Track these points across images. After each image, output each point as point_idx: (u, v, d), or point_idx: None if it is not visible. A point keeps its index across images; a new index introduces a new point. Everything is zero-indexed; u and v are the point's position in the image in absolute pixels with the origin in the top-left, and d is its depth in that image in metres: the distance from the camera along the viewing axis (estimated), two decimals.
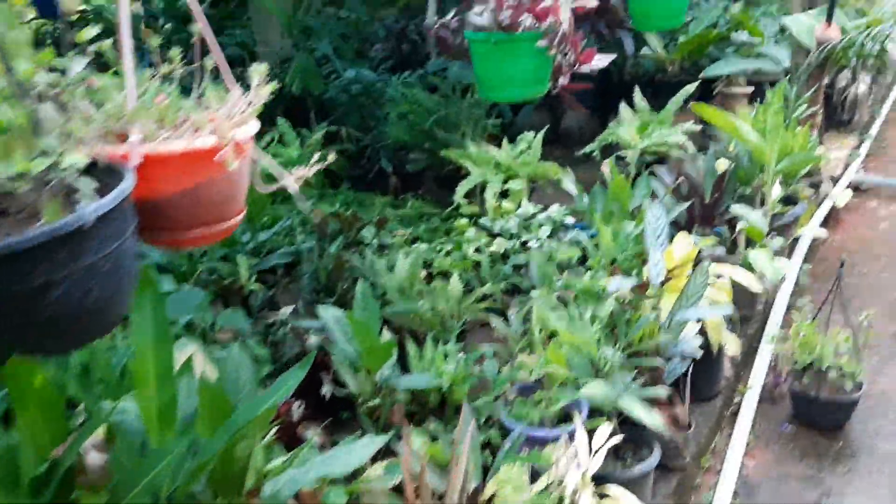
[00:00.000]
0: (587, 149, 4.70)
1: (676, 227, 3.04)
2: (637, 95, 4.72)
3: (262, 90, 1.41)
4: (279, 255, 3.19)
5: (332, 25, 6.03)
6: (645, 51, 5.27)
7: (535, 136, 4.35)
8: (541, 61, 1.82)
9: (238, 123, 1.35)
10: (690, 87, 4.64)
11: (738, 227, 2.85)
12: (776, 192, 2.96)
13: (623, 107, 4.66)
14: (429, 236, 3.95)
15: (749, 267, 2.65)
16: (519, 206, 4.10)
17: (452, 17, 1.94)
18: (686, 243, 2.50)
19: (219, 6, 8.58)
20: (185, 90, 1.40)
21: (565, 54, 1.76)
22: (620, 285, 2.05)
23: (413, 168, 4.56)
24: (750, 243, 2.86)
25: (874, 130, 4.65)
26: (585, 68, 2.34)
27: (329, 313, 2.53)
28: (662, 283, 2.15)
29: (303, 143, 4.80)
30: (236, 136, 1.30)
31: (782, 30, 4.72)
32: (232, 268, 2.99)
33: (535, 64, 1.83)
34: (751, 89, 4.75)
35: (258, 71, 1.40)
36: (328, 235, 3.45)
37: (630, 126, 4.58)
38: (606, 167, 3.31)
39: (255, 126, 1.42)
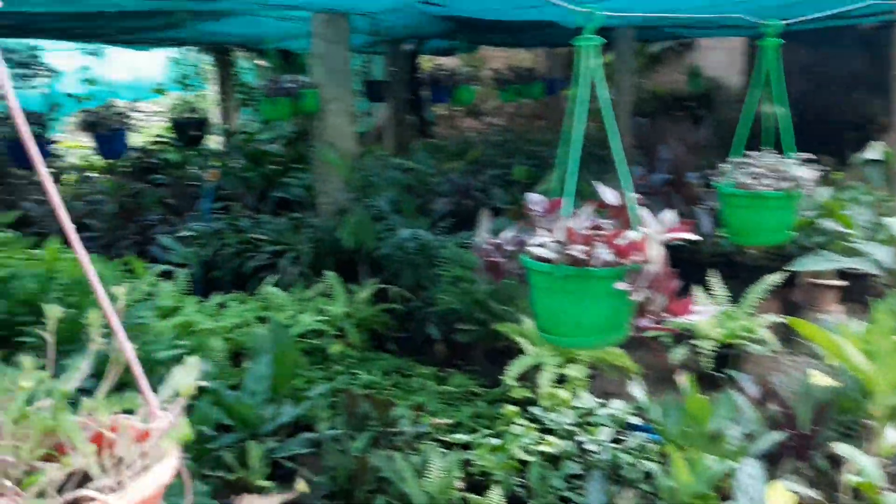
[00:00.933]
0: (656, 333, 4.29)
1: (764, 457, 2.56)
2: (714, 280, 4.34)
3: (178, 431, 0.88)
4: (299, 441, 2.81)
5: (395, 176, 5.92)
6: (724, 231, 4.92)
7: None
8: (619, 305, 1.45)
9: (140, 469, 0.87)
10: (774, 277, 4.24)
11: (845, 475, 2.37)
12: (890, 436, 2.48)
13: (698, 291, 4.27)
14: (472, 423, 3.52)
15: None
16: (577, 395, 3.68)
17: (509, 238, 1.60)
18: None
19: (295, 144, 8.75)
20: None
21: (652, 299, 1.41)
22: None
23: (463, 338, 4.20)
24: (857, 494, 2.36)
25: None
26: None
27: None
28: None
29: (351, 299, 4.54)
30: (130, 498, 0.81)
31: (879, 224, 4.34)
32: (242, 456, 2.62)
33: (612, 307, 1.46)
34: (843, 283, 4.32)
35: (181, 386, 0.91)
36: (358, 418, 3.07)
37: None
38: (683, 378, 2.88)
39: (168, 467, 0.90)
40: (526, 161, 7.81)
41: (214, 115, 9.75)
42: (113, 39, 6.04)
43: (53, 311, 0.81)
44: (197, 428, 2.73)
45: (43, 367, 0.95)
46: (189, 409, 2.94)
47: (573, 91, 1.54)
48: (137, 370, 0.89)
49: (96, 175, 7.96)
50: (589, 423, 3.39)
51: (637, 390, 3.06)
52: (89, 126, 5.08)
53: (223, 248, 5.19)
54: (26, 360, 0.76)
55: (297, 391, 3.70)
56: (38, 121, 4.73)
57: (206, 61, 10.18)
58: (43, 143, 4.98)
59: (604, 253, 1.40)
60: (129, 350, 0.87)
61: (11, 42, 7.29)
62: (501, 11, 5.64)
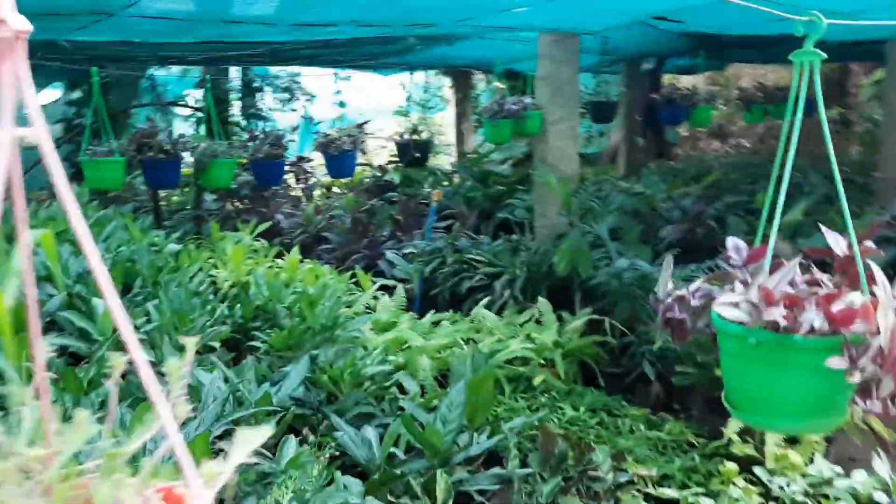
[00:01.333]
0: None
1: None
2: None
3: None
4: (488, 476, 2.70)
5: (620, 200, 5.66)
6: None
7: None
8: (831, 384, 1.13)
9: None
10: None
11: None
12: None
13: None
14: (682, 476, 3.19)
15: None
16: (811, 459, 3.20)
17: (695, 291, 1.34)
18: None
19: (523, 165, 8.78)
20: None
21: (880, 381, 1.08)
22: None
23: (680, 381, 3.85)
24: None
25: None
26: None
27: None
28: None
29: (562, 328, 4.38)
30: None
31: None
32: (429, 484, 2.57)
33: (821, 387, 1.14)
34: None
35: (208, 473, 0.65)
36: (553, 457, 2.90)
37: None
38: None
39: None
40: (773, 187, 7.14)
41: (450, 136, 10.10)
42: (356, 65, 6.46)
43: (118, 360, 0.75)
44: (390, 450, 2.74)
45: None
46: (384, 428, 2.94)
47: (787, 115, 1.27)
48: (175, 437, 0.70)
49: (340, 191, 8.58)
50: (824, 495, 2.93)
51: (883, 463, 2.56)
52: (322, 147, 5.46)
53: (442, 266, 5.28)
54: (81, 413, 0.69)
55: (497, 419, 3.61)
56: (277, 142, 5.16)
57: (445, 84, 10.59)
58: (280, 163, 5.42)
59: (813, 318, 1.10)
60: (166, 415, 0.68)
61: (264, 69, 8.12)
62: (748, 25, 5.18)
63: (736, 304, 1.13)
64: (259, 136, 5.27)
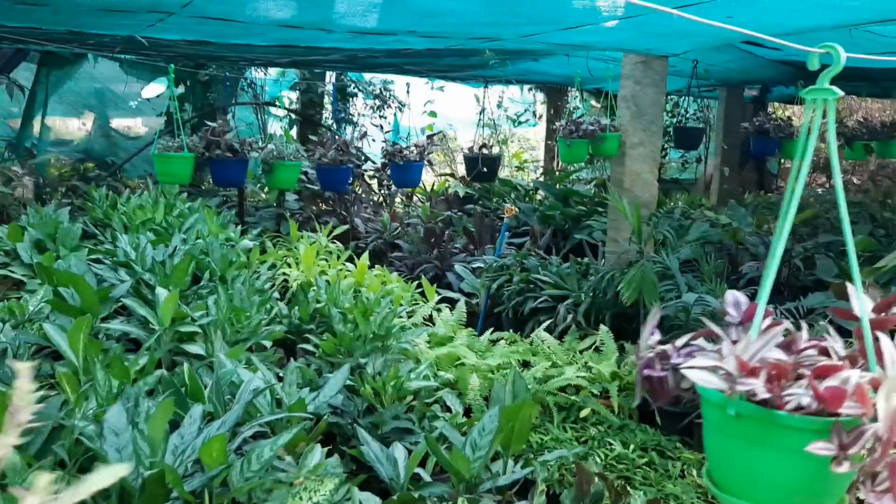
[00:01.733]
0: None
1: None
2: None
3: None
4: None
5: (703, 231, 5.41)
6: None
7: None
8: (818, 468, 0.96)
9: None
10: None
11: None
12: None
13: None
14: None
15: None
16: None
17: (681, 347, 1.20)
18: None
19: (604, 186, 8.57)
20: None
21: (877, 471, 0.92)
22: None
23: None
24: None
25: None
26: None
27: None
28: None
29: (622, 359, 4.20)
30: None
31: None
32: None
33: (806, 470, 0.97)
34: None
35: None
36: (588, 497, 2.76)
37: None
38: None
39: None
40: (873, 229, 6.68)
41: (539, 151, 9.97)
42: (442, 75, 6.45)
43: None
44: (415, 470, 2.67)
45: None
46: (414, 445, 2.86)
47: (796, 154, 1.13)
48: None
49: (420, 200, 8.60)
50: None
51: None
52: (389, 156, 5.46)
53: (508, 283, 5.18)
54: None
55: (542, 447, 3.49)
56: (344, 148, 5.18)
57: (538, 99, 10.48)
58: (346, 168, 5.41)
59: (801, 393, 0.95)
60: None
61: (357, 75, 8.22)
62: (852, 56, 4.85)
63: (713, 369, 0.99)
64: (326, 141, 5.32)
